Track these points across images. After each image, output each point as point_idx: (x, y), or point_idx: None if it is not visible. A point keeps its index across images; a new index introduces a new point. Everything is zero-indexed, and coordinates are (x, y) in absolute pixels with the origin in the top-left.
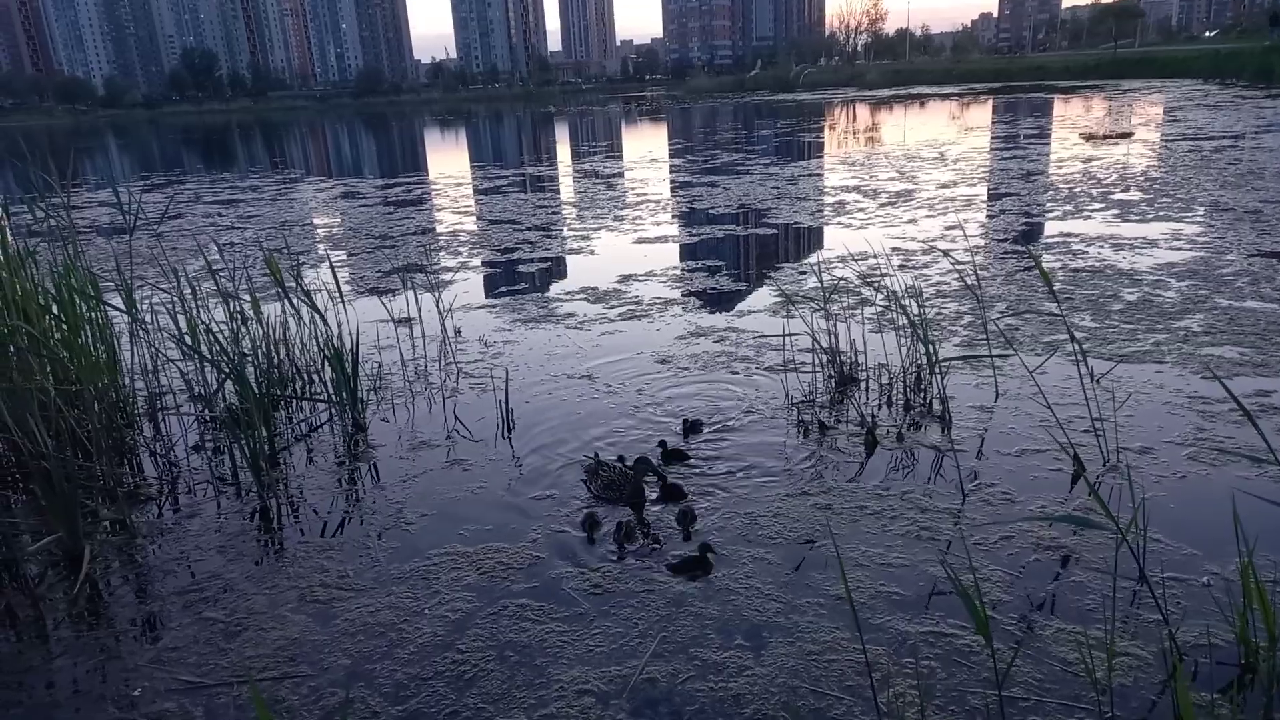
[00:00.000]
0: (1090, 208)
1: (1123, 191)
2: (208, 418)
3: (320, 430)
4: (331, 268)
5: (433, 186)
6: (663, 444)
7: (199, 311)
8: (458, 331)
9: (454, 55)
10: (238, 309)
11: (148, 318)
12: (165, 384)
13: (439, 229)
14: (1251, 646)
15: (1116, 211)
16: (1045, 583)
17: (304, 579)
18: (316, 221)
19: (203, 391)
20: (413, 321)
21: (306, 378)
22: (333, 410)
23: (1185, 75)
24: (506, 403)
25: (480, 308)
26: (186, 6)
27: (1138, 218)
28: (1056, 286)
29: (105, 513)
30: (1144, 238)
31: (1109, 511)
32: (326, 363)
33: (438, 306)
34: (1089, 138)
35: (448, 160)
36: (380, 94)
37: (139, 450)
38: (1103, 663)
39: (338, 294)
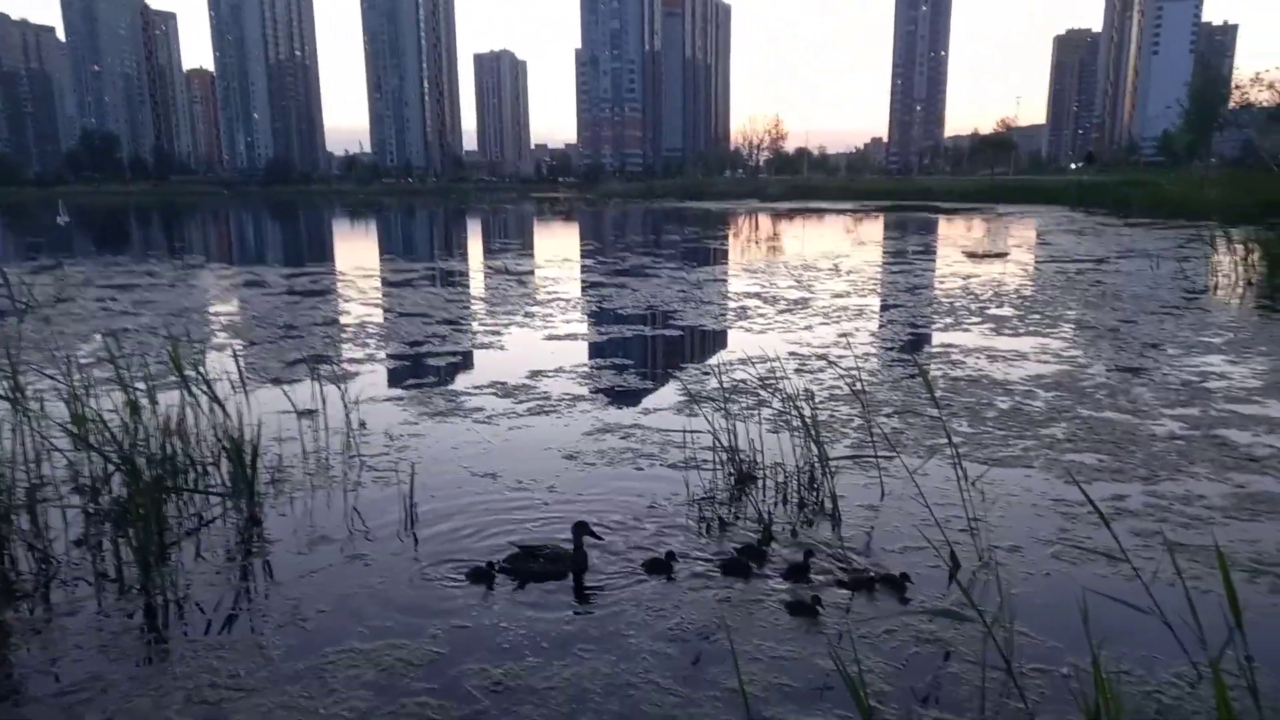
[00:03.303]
0: (969, 321)
1: (998, 307)
2: (92, 510)
3: (213, 524)
4: (234, 356)
5: (341, 277)
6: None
7: (89, 399)
8: (362, 424)
9: (368, 149)
10: (131, 397)
11: (32, 404)
12: (49, 474)
13: (346, 320)
14: None
15: (992, 325)
16: (925, 674)
17: (191, 679)
18: (218, 309)
19: (89, 483)
20: (316, 413)
21: (201, 469)
22: (227, 503)
23: (1054, 202)
24: (411, 497)
25: (386, 400)
26: (90, 88)
27: (1010, 332)
28: (937, 394)
29: None
30: (1016, 350)
31: (976, 608)
32: (224, 454)
33: (342, 398)
34: (970, 255)
35: (358, 252)
36: (290, 183)
37: (13, 543)
38: None
39: (239, 384)
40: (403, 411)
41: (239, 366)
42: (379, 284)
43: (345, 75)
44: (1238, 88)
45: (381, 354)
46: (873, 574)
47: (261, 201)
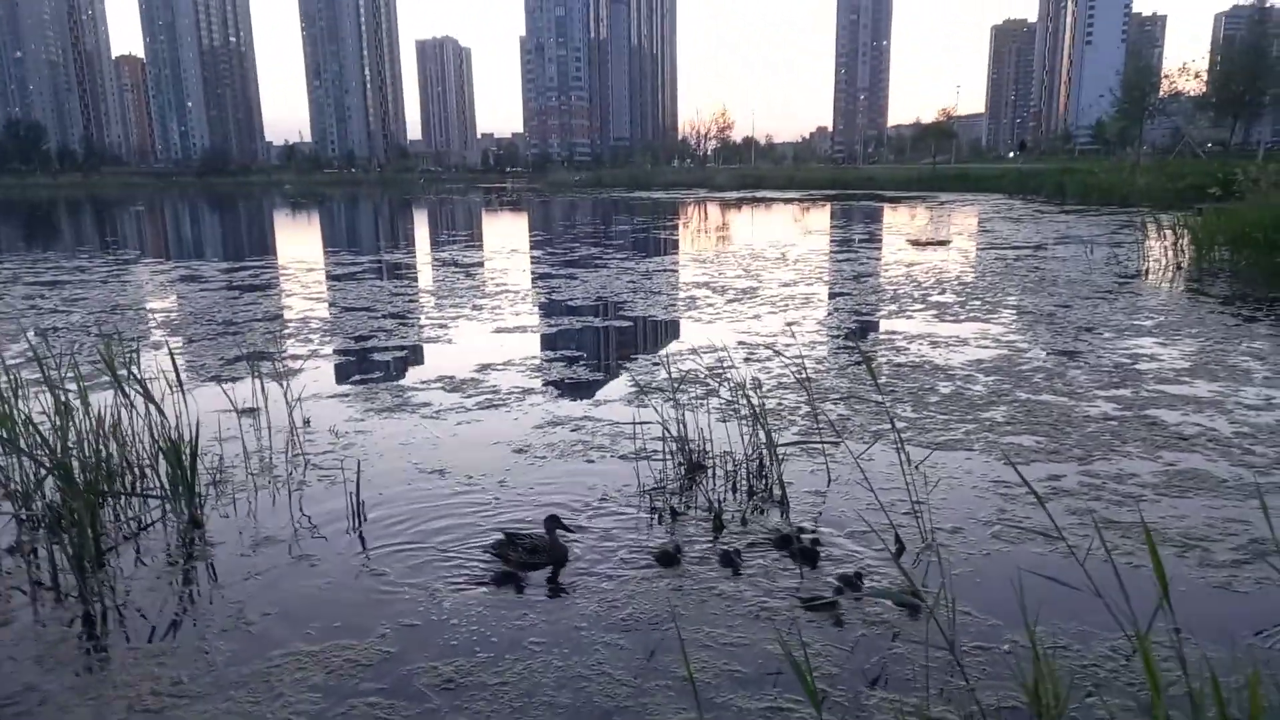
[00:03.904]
0: (912, 308)
1: (940, 294)
2: (24, 517)
3: (153, 528)
4: (170, 355)
5: (282, 271)
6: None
7: (18, 401)
8: (306, 422)
9: (309, 139)
10: (63, 399)
11: None
12: None
13: (288, 315)
14: (1043, 705)
15: (935, 312)
16: (871, 656)
17: (133, 687)
18: (153, 306)
19: (20, 489)
20: (258, 411)
21: (139, 472)
22: (166, 506)
23: (993, 190)
24: (357, 495)
25: (331, 397)
26: (13, 76)
27: (952, 318)
28: (882, 380)
29: None
30: (957, 336)
31: (918, 589)
32: (161, 456)
33: (285, 396)
34: (914, 243)
35: (300, 244)
36: (228, 173)
37: None
38: None
39: (176, 383)
40: (348, 408)
41: (176, 365)
42: (322, 277)
43: (284, 62)
44: (1166, 77)
45: (325, 349)
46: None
47: (198, 193)
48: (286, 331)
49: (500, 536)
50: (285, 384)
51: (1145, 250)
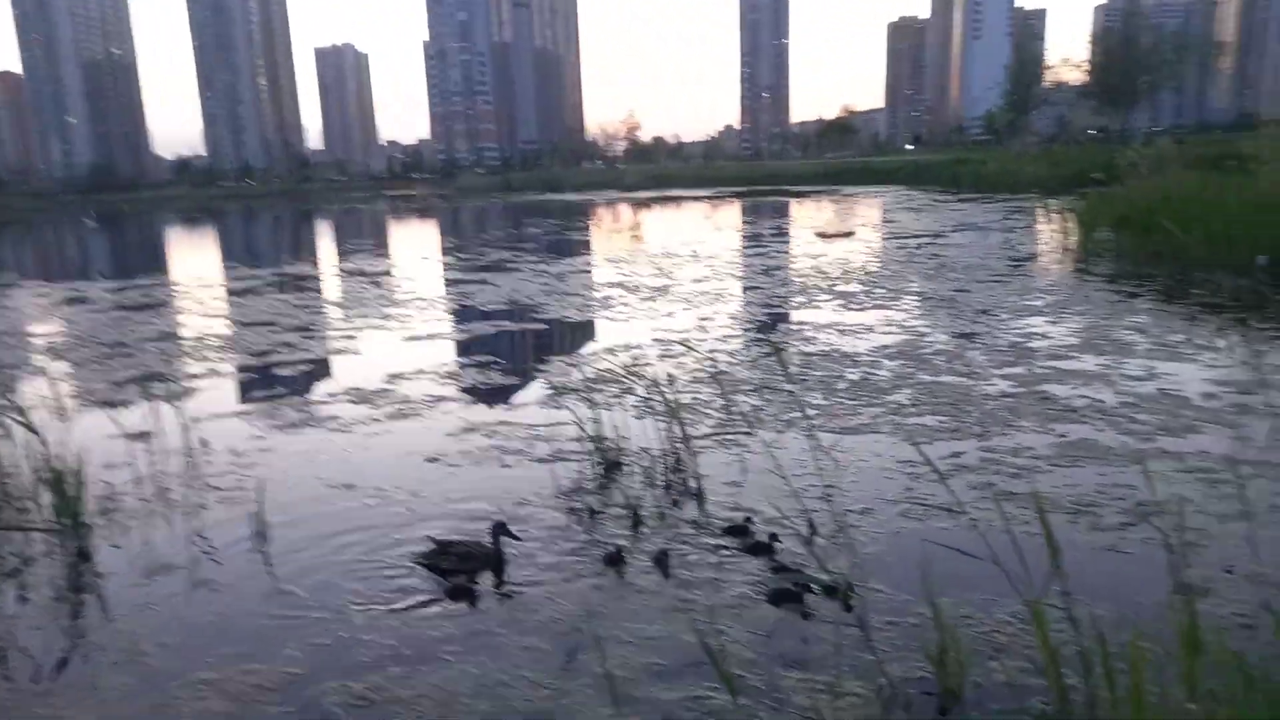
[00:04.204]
0: (820, 299)
1: (846, 284)
2: None
3: (37, 562)
4: (51, 381)
5: (176, 289)
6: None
7: None
8: (204, 443)
9: (202, 152)
10: None
11: None
12: None
13: (183, 333)
14: (949, 672)
15: (842, 301)
16: (787, 639)
17: None
18: (35, 330)
19: None
20: (151, 435)
21: (20, 505)
22: (52, 539)
23: (893, 182)
24: (260, 515)
25: (231, 416)
26: None
27: (858, 306)
28: (793, 369)
29: None
30: (863, 324)
31: (828, 570)
32: (44, 486)
33: (180, 418)
34: (821, 235)
35: (195, 261)
36: (116, 190)
37: None
38: (830, 704)
39: (61, 409)
40: (249, 426)
41: (59, 391)
42: (220, 294)
43: (173, 74)
44: (1049, 69)
45: (224, 368)
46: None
47: (83, 212)
48: (181, 350)
49: (431, 545)
50: (180, 405)
51: (1035, 235)
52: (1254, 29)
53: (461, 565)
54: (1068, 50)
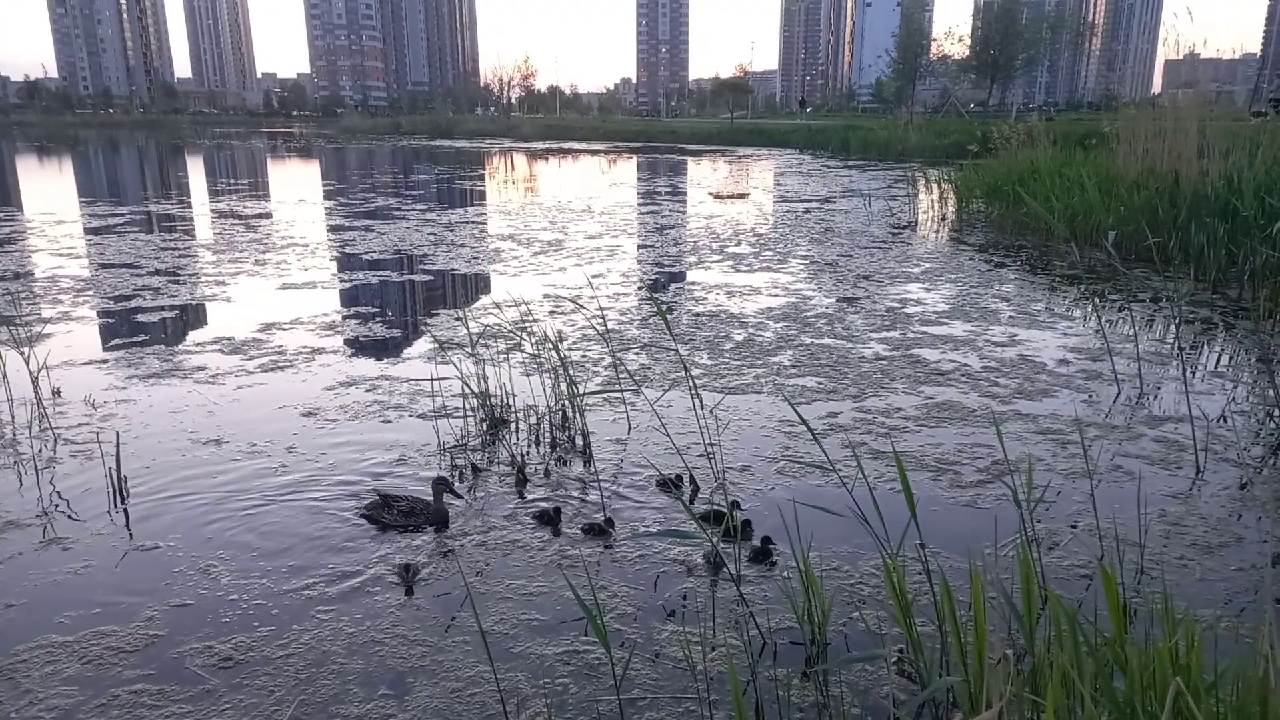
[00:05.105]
0: (711, 259)
1: (736, 245)
2: None
3: None
4: None
5: (27, 224)
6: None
7: None
8: (56, 392)
9: (55, 74)
10: None
11: None
12: None
13: (34, 274)
14: (815, 624)
15: (731, 263)
16: (665, 593)
17: None
18: None
19: None
20: None
21: None
22: None
23: (786, 145)
24: (118, 470)
25: (86, 364)
26: None
27: (747, 268)
28: (681, 329)
29: None
30: (751, 285)
31: (703, 527)
32: None
33: (28, 364)
34: (715, 196)
35: (48, 194)
36: None
37: None
38: (703, 656)
39: None
40: (107, 376)
41: None
42: (76, 230)
43: None
44: (934, 40)
45: (79, 311)
46: None
47: None
48: (31, 292)
49: (375, 497)
50: (28, 351)
51: (915, 203)
52: (1120, 13)
53: (404, 520)
54: (953, 23)
